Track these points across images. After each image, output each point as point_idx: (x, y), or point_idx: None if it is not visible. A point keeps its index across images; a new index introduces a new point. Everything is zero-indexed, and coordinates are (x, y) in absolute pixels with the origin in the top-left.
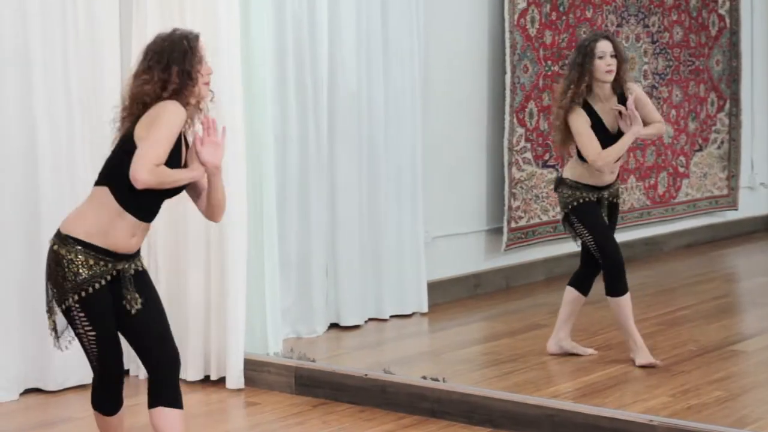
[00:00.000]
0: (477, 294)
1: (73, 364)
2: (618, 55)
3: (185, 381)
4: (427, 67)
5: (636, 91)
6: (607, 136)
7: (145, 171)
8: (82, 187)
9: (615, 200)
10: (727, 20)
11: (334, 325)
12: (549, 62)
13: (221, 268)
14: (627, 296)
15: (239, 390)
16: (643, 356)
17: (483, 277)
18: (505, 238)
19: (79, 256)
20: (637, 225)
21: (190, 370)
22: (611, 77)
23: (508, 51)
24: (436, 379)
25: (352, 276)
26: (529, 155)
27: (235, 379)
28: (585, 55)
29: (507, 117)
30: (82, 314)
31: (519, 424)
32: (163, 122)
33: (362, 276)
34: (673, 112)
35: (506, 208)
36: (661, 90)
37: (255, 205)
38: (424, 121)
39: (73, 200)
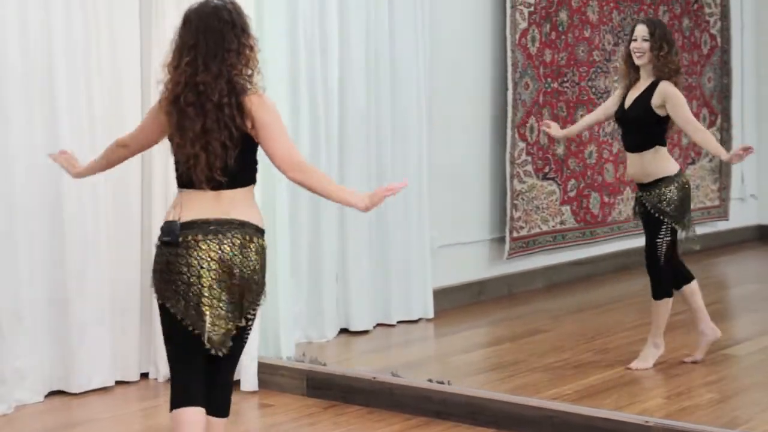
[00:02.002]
0: (480, 300)
1: (96, 367)
2: (653, 40)
3: None
4: (432, 84)
5: (668, 90)
6: (621, 111)
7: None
8: (103, 202)
9: (647, 206)
10: (719, 39)
11: (343, 330)
12: (549, 79)
13: None
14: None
15: (254, 392)
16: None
17: (486, 284)
18: (507, 247)
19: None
20: (633, 234)
21: None
22: (640, 60)
23: (509, 69)
24: (442, 382)
25: (361, 283)
26: (530, 168)
27: (250, 381)
28: (629, 35)
29: (509, 132)
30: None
31: (520, 425)
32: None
33: (371, 283)
34: None
35: (508, 218)
36: None
37: (269, 216)
38: (430, 136)
39: (95, 216)
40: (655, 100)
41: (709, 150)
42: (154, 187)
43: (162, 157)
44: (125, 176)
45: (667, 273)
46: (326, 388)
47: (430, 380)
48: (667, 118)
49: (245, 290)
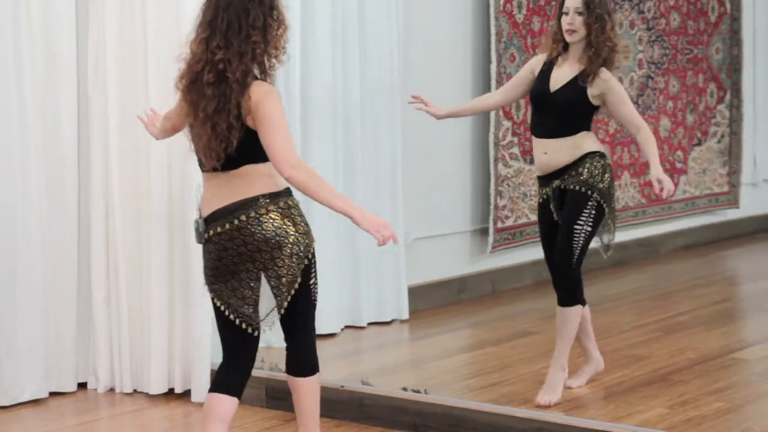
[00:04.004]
0: (461, 299)
1: (27, 377)
2: (588, 14)
3: (147, 394)
4: (407, 56)
5: (610, 83)
6: (545, 93)
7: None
8: (36, 199)
9: (569, 186)
10: (728, 6)
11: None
12: (537, 51)
13: (185, 275)
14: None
15: None
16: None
17: (467, 281)
18: (490, 239)
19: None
20: (632, 225)
21: (153, 383)
22: (572, 37)
23: (493, 39)
24: (418, 391)
25: (327, 281)
26: (516, 150)
27: (201, 391)
28: (559, 8)
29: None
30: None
31: None
32: None
33: (338, 280)
34: (670, 103)
35: (492, 207)
36: (657, 80)
37: None
38: (404, 115)
39: (27, 198)
40: (593, 90)
41: (645, 153)
42: (92, 184)
43: (100, 145)
44: (60, 172)
45: (579, 274)
46: (288, 399)
47: (404, 389)
48: (595, 108)
49: (264, 262)
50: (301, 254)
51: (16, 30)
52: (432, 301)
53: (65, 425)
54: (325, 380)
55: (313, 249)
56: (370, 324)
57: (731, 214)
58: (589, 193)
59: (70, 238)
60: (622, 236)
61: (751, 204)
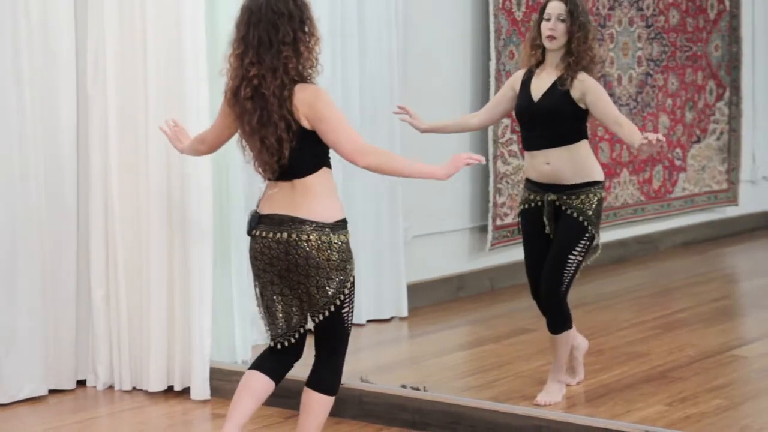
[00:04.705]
0: (460, 297)
1: (26, 374)
2: (571, 21)
3: (146, 391)
4: (406, 52)
5: (587, 82)
6: (529, 105)
7: None
8: (35, 197)
9: (568, 211)
10: (727, 3)
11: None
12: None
13: (185, 272)
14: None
15: (205, 401)
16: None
17: (466, 278)
18: (490, 236)
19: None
20: (631, 222)
21: (152, 381)
22: (552, 44)
23: (492, 36)
24: (417, 389)
25: None
26: (515, 147)
27: (201, 389)
28: (539, 14)
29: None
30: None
31: None
32: None
33: None
34: (669, 101)
35: (491, 204)
36: (656, 77)
37: (221, 206)
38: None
39: (26, 195)
40: (575, 93)
41: (632, 142)
42: (91, 182)
43: (100, 143)
44: (59, 171)
45: (566, 302)
46: (287, 396)
47: (403, 386)
48: (586, 113)
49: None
50: (341, 282)
51: (15, 28)
52: (431, 298)
53: (64, 423)
54: None
55: (353, 280)
56: (369, 321)
57: (730, 212)
58: (586, 224)
59: (69, 236)
60: (621, 233)
61: (750, 201)
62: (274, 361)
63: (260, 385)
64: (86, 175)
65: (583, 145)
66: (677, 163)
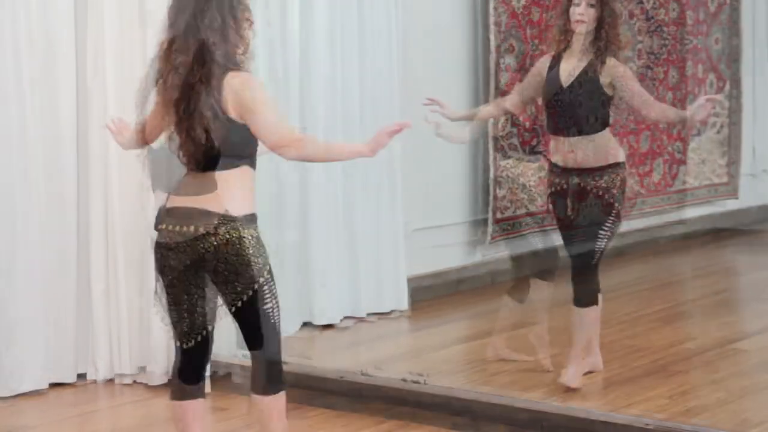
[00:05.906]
0: (460, 290)
1: (27, 368)
2: (601, 6)
3: (146, 385)
4: (406, 46)
5: (618, 67)
6: (558, 90)
7: None
8: (35, 191)
9: (595, 191)
10: None
11: (306, 324)
12: (536, 41)
13: None
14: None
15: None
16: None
17: (466, 271)
18: (490, 230)
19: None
20: (632, 215)
21: (152, 374)
22: (581, 28)
23: (492, 29)
24: (417, 381)
25: (327, 271)
26: (515, 141)
27: None
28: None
29: (491, 100)
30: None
31: (506, 428)
32: None
33: (337, 271)
34: (670, 94)
35: (491, 198)
36: (656, 71)
37: None
38: (403, 105)
39: (26, 189)
40: (604, 79)
41: (671, 119)
42: (91, 176)
43: (99, 138)
44: (58, 164)
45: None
46: (287, 389)
47: (404, 379)
48: (611, 99)
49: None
50: (250, 278)
51: (14, 26)
52: (431, 291)
53: (65, 416)
54: (324, 370)
55: (269, 276)
56: (369, 314)
57: (730, 205)
58: (612, 201)
59: (69, 230)
60: (621, 227)
61: (750, 194)
62: (186, 368)
63: (194, 409)
64: (86, 168)
65: (606, 132)
66: (677, 156)
